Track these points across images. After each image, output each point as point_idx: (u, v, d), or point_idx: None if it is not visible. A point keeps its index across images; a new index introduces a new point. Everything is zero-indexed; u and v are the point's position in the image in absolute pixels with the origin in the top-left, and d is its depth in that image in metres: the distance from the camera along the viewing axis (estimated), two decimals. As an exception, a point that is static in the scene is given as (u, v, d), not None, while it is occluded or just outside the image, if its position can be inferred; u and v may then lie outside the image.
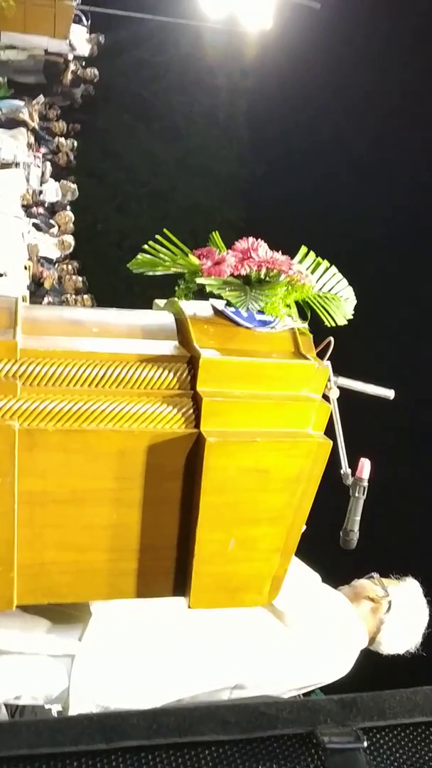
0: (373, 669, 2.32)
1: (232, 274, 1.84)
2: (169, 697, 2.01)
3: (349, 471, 1.89)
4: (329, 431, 1.81)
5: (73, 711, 1.97)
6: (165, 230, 1.92)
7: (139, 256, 1.94)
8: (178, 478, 1.69)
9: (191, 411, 1.66)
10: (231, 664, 2.07)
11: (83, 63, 11.52)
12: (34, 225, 8.70)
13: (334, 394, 1.86)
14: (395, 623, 2.22)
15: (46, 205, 9.57)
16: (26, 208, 8.48)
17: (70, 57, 11.14)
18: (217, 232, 1.97)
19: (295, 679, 2.14)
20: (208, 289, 1.82)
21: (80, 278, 8.64)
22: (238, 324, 1.79)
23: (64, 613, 2.03)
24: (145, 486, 1.68)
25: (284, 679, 2.13)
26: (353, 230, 10.85)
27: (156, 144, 13.77)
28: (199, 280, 1.84)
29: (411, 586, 2.29)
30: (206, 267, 1.85)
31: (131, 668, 1.99)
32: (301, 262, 1.94)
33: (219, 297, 1.84)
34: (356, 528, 1.91)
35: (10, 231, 7.23)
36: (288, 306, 1.85)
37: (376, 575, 2.31)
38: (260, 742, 0.89)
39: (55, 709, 2.05)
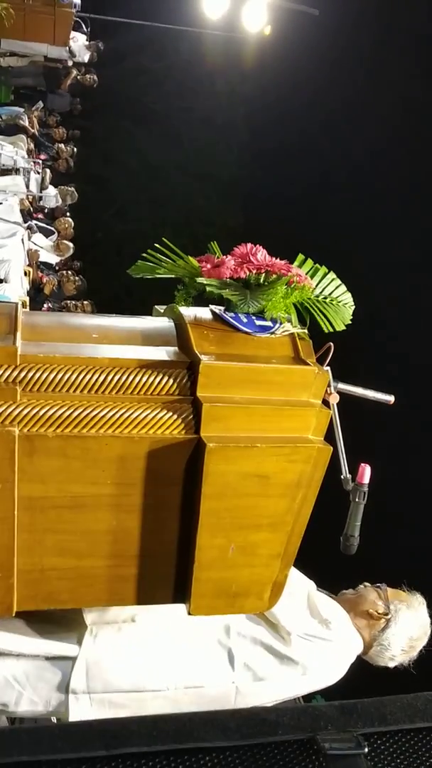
0: (374, 674, 2.32)
1: (231, 277, 1.84)
2: (168, 706, 2.01)
3: (349, 476, 1.89)
4: (329, 436, 1.81)
5: (72, 712, 1.97)
6: (164, 238, 1.93)
7: (138, 263, 1.95)
8: (178, 484, 1.69)
9: (191, 416, 1.66)
10: (226, 671, 2.06)
11: (83, 69, 11.56)
12: (34, 231, 8.71)
13: (334, 399, 1.86)
14: (387, 642, 2.20)
15: (45, 211, 9.58)
16: (26, 214, 8.49)
17: (70, 63, 11.18)
18: (215, 242, 1.97)
19: (289, 689, 2.13)
20: (208, 290, 1.82)
21: (78, 278, 8.62)
22: (237, 329, 1.79)
23: (64, 616, 2.03)
24: (145, 492, 1.68)
25: (278, 688, 2.12)
26: (353, 235, 10.86)
27: (155, 149, 13.78)
28: (200, 280, 1.84)
29: (415, 607, 2.24)
30: (206, 269, 1.86)
31: (130, 672, 1.99)
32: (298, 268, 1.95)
33: (218, 303, 1.84)
34: (357, 533, 1.91)
35: (10, 237, 7.23)
36: (287, 310, 1.86)
37: (384, 586, 2.29)
38: (261, 748, 0.89)
39: (54, 716, 2.05)
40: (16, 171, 8.57)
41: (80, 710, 1.97)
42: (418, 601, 2.27)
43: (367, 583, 2.33)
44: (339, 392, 1.88)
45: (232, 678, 2.06)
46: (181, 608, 1.95)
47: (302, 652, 2.09)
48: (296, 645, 2.08)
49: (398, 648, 2.22)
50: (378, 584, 2.30)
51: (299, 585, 2.14)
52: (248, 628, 2.09)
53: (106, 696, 1.98)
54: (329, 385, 1.84)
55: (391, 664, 2.25)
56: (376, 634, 2.21)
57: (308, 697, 2.23)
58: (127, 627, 2.02)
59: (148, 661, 2.00)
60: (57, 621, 2.02)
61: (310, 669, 2.12)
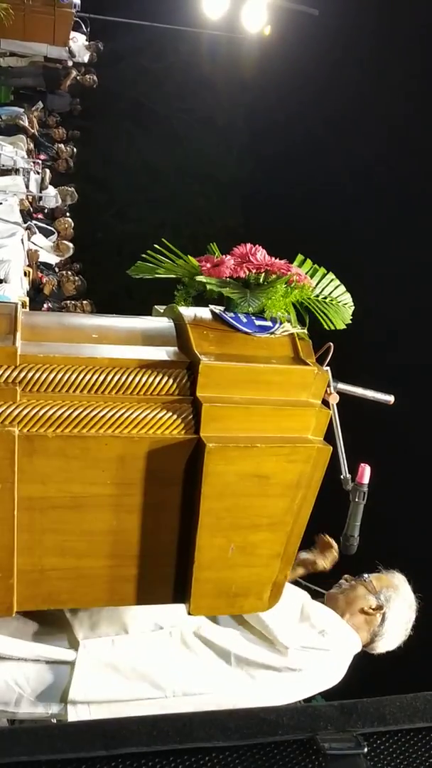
0: (373, 674, 2.32)
1: (231, 277, 1.84)
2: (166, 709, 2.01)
3: (349, 476, 1.89)
4: (329, 436, 1.81)
5: (70, 716, 1.97)
6: (163, 239, 1.93)
7: (138, 263, 1.95)
8: (177, 484, 1.69)
9: (191, 417, 1.66)
10: (224, 678, 2.06)
11: (83, 70, 11.56)
12: (34, 231, 8.71)
13: (334, 399, 1.86)
14: (388, 634, 2.22)
15: (45, 211, 9.58)
16: (26, 214, 8.49)
17: (70, 63, 11.18)
18: (215, 243, 1.97)
19: (287, 695, 2.13)
20: (207, 288, 1.82)
21: (78, 278, 8.62)
22: (237, 329, 1.79)
23: (60, 619, 2.03)
24: (145, 492, 1.68)
25: (277, 694, 2.11)
26: (354, 237, 10.87)
27: (155, 150, 13.78)
28: (200, 278, 1.84)
29: (401, 588, 2.27)
30: (206, 269, 1.86)
31: (126, 682, 1.99)
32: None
33: (218, 303, 1.84)
34: (356, 533, 1.91)
35: (10, 237, 7.23)
36: (286, 310, 1.86)
37: (367, 577, 2.29)
38: (261, 749, 0.89)
39: (54, 718, 2.05)
40: (16, 171, 8.58)
41: (79, 711, 1.97)
42: (400, 580, 2.28)
43: (347, 576, 2.33)
44: (339, 392, 1.88)
45: (230, 684, 2.06)
46: (175, 619, 1.95)
47: (300, 662, 2.09)
48: (294, 656, 2.08)
49: (398, 635, 2.24)
50: (361, 576, 2.30)
51: (292, 598, 2.12)
52: (245, 648, 2.08)
53: (104, 705, 1.98)
54: (329, 385, 1.84)
55: (392, 648, 2.26)
56: (375, 629, 2.22)
57: (308, 698, 2.23)
58: (120, 639, 2.02)
59: (144, 672, 2.00)
60: (54, 623, 2.02)
61: (309, 676, 2.12)
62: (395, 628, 2.23)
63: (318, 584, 2.34)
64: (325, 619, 2.16)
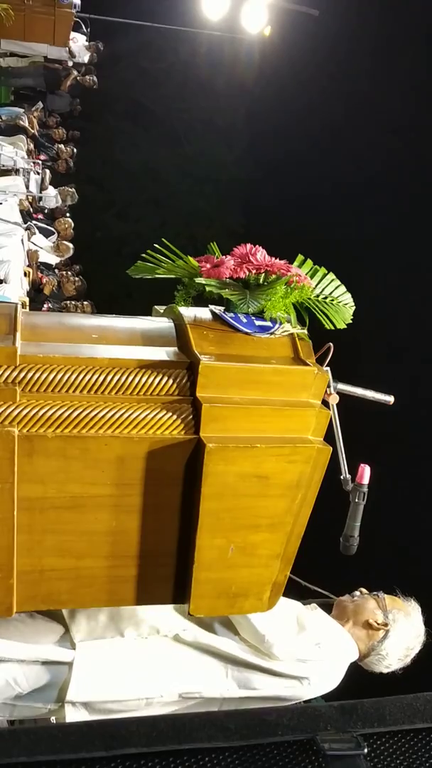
0: (373, 674, 2.31)
1: (231, 278, 1.84)
2: (162, 709, 2.01)
3: (349, 477, 1.89)
4: (329, 437, 1.81)
5: (68, 715, 1.97)
6: (163, 239, 1.93)
7: (138, 263, 1.95)
8: (177, 484, 1.69)
9: (191, 417, 1.66)
10: (220, 679, 2.06)
11: (83, 70, 11.56)
12: (34, 231, 8.70)
13: (334, 399, 1.86)
14: (385, 653, 2.20)
15: (45, 211, 9.58)
16: (26, 214, 8.49)
17: (70, 64, 11.18)
18: (215, 242, 1.97)
19: (281, 700, 2.13)
20: (207, 289, 1.82)
21: (78, 278, 8.62)
22: (237, 329, 1.79)
23: (61, 621, 2.03)
24: (145, 492, 1.68)
25: (270, 698, 2.11)
26: (354, 238, 10.87)
27: (155, 151, 13.79)
28: (199, 280, 1.84)
29: (413, 616, 2.24)
30: (205, 269, 1.86)
31: (124, 684, 1.99)
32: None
33: (218, 303, 1.84)
34: (356, 534, 1.91)
35: (10, 237, 7.23)
36: (286, 310, 1.86)
37: (381, 594, 2.28)
38: (260, 749, 0.88)
39: (53, 716, 2.05)
40: (16, 171, 8.58)
41: (78, 718, 1.97)
42: (414, 608, 2.26)
43: (363, 590, 2.32)
44: (339, 393, 1.88)
45: (226, 685, 2.06)
46: (171, 624, 1.95)
47: (295, 671, 2.09)
48: (290, 666, 2.08)
49: (395, 658, 2.21)
50: (375, 592, 2.29)
51: (286, 611, 2.11)
52: (242, 653, 2.07)
53: (102, 705, 1.99)
54: (329, 386, 1.84)
55: (386, 671, 2.25)
56: (374, 644, 2.20)
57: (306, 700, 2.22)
58: (117, 642, 2.01)
59: (141, 673, 1.99)
60: (52, 625, 2.02)
61: (304, 682, 2.12)
62: (395, 650, 2.21)
63: (329, 591, 2.32)
64: (321, 629, 2.15)
